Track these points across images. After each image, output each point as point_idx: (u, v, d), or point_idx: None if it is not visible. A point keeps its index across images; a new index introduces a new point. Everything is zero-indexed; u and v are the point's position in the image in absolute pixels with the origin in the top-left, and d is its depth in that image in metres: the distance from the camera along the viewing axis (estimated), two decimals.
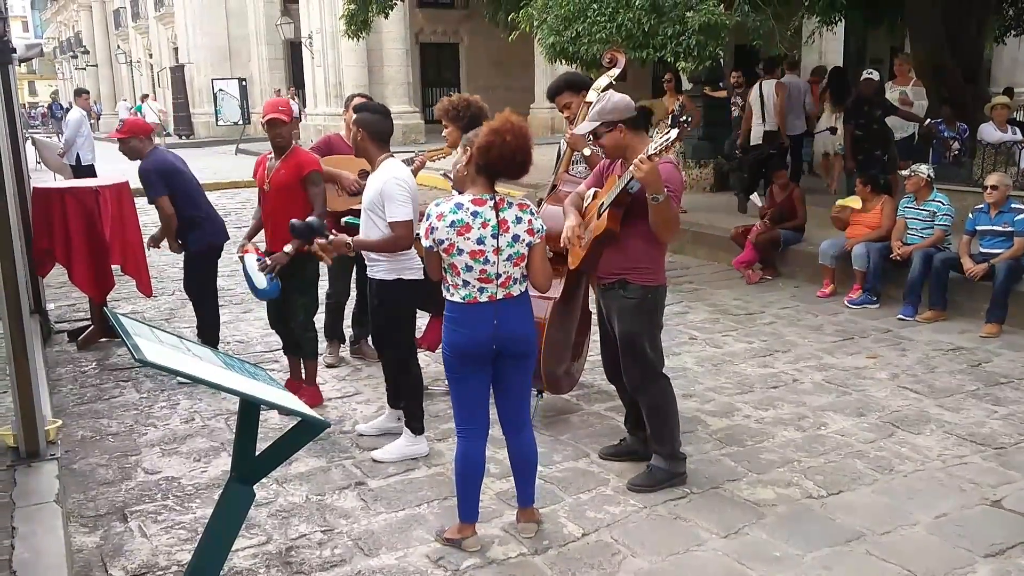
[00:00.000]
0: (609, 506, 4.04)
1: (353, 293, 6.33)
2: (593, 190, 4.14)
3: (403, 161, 5.59)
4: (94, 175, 11.89)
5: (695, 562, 3.58)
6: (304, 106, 27.37)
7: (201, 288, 6.12)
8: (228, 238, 6.21)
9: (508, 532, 3.81)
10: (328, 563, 3.61)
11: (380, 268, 4.49)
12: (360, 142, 4.48)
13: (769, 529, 3.82)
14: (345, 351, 6.36)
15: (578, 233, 4.02)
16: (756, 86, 10.89)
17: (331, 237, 4.29)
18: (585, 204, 4.14)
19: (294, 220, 4.41)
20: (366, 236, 4.42)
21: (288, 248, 4.89)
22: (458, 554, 3.63)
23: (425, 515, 4.00)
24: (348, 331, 6.38)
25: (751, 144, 10.91)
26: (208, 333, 6.14)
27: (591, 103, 4.99)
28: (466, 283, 3.47)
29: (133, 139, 5.92)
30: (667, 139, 3.58)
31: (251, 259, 4.98)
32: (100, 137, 19.43)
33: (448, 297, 3.54)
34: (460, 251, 3.42)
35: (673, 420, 4.23)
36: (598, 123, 3.96)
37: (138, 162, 5.88)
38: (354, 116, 4.57)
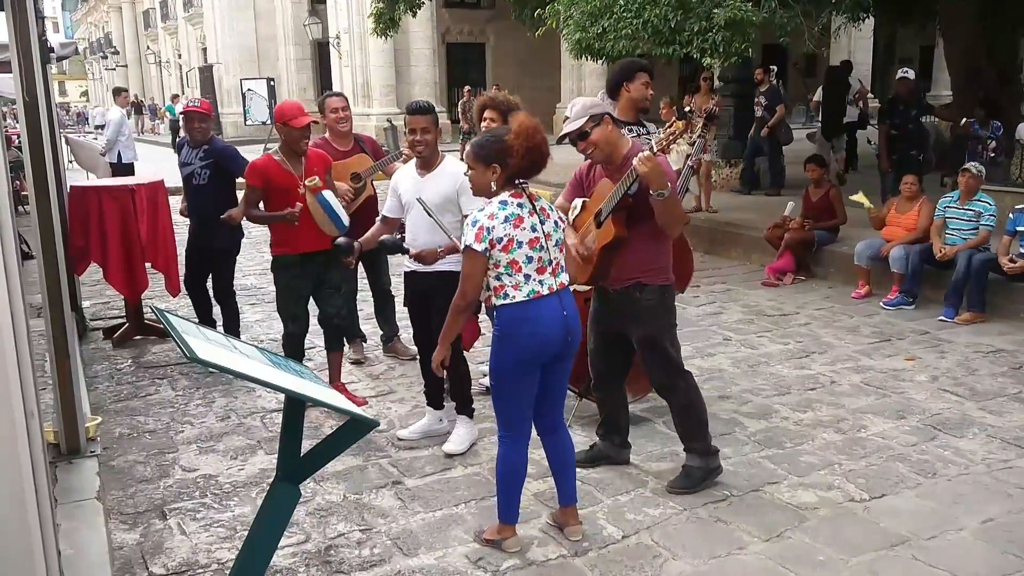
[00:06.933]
0: (648, 508, 4.01)
1: (369, 294, 6.43)
2: (581, 200, 4.06)
3: (391, 157, 5.70)
4: (133, 174, 12.00)
5: (737, 565, 3.54)
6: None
7: (228, 284, 6.27)
8: (244, 235, 6.39)
9: (547, 533, 3.79)
10: (368, 562, 3.60)
11: (447, 260, 4.38)
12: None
13: (811, 533, 3.77)
14: (378, 349, 6.38)
15: (587, 245, 3.92)
16: None
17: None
18: (572, 216, 4.05)
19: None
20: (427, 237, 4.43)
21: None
22: (498, 555, 3.61)
23: (463, 515, 3.98)
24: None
25: None
26: (233, 327, 6.23)
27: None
28: (528, 277, 3.42)
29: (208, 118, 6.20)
30: (673, 132, 3.55)
31: (330, 194, 4.93)
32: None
33: (508, 302, 3.42)
34: (520, 243, 3.39)
35: (703, 415, 4.18)
36: (585, 119, 3.82)
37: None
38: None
